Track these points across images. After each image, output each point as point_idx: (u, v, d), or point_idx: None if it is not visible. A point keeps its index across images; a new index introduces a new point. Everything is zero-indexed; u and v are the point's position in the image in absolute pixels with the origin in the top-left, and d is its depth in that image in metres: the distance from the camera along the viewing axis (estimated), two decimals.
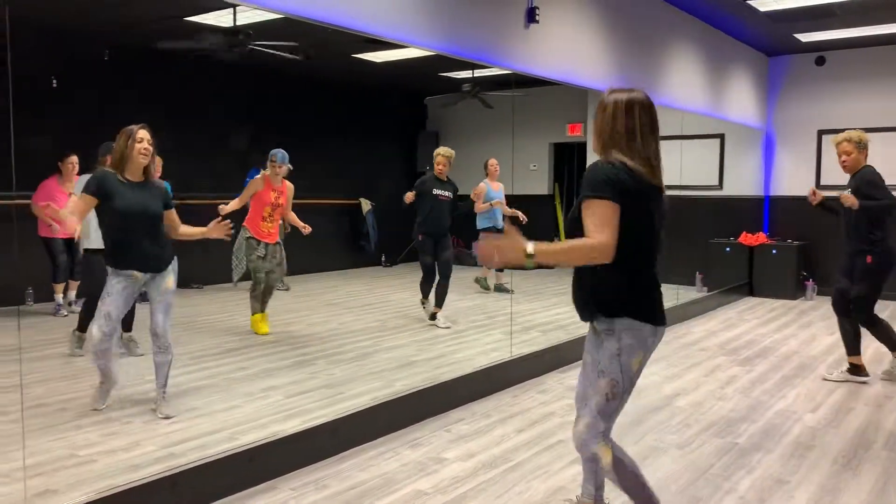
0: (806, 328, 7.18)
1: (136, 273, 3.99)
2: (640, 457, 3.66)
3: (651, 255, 2.47)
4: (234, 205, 5.90)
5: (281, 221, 6.40)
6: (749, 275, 9.28)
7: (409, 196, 6.67)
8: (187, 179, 8.54)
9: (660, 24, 7.00)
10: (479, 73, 8.76)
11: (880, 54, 8.92)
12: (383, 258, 11.54)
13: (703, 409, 4.49)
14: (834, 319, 7.71)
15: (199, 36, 6.51)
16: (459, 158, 8.86)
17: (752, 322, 7.51)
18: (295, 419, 3.94)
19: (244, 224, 6.08)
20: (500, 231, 8.49)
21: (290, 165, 6.19)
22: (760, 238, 9.34)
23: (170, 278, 4.11)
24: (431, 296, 6.80)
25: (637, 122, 2.40)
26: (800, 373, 5.44)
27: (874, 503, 3.17)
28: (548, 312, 7.47)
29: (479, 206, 8.10)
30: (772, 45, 9.05)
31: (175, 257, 4.18)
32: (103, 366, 4.11)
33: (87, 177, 5.15)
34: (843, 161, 4.97)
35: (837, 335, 6.74)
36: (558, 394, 4.83)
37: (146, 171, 4.05)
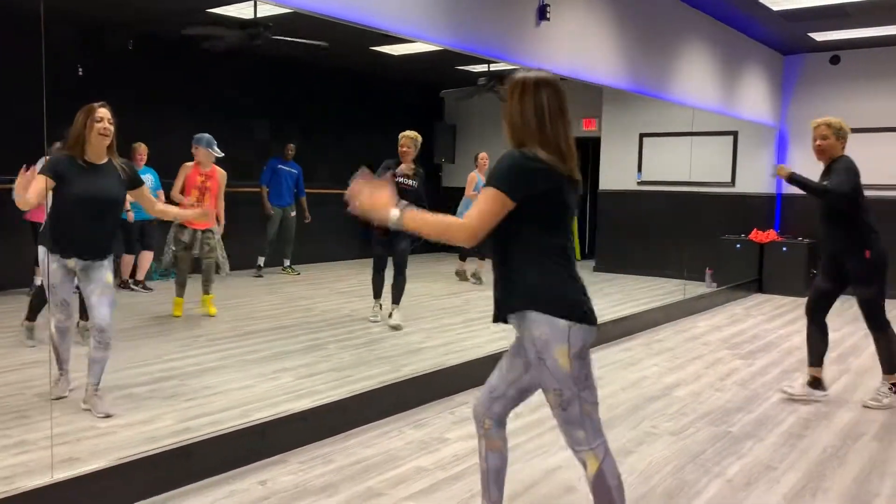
0: None
1: (70, 261, 3.80)
2: (636, 442, 3.81)
3: (564, 251, 2.32)
4: (173, 192, 6.16)
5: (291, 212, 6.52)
6: (759, 272, 9.36)
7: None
8: None
9: (672, 21, 7.09)
10: (494, 67, 8.89)
11: (895, 55, 8.94)
12: None
13: (701, 399, 4.62)
14: (843, 316, 7.78)
15: (222, 26, 6.71)
16: (475, 151, 9.02)
17: (758, 318, 7.60)
18: (305, 399, 4.12)
19: None
20: None
21: (218, 151, 6.25)
22: (771, 235, 9.41)
23: (108, 273, 3.88)
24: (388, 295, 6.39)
25: (545, 104, 2.28)
26: (800, 367, 5.53)
27: (856, 490, 3.29)
28: None
29: (469, 192, 8.35)
30: (786, 43, 9.10)
31: (111, 255, 3.94)
32: (64, 350, 4.04)
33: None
34: (819, 145, 4.51)
35: (843, 332, 6.86)
36: None
37: (109, 150, 3.82)
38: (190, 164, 6.28)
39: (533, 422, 4.10)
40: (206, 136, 6.26)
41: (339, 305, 7.26)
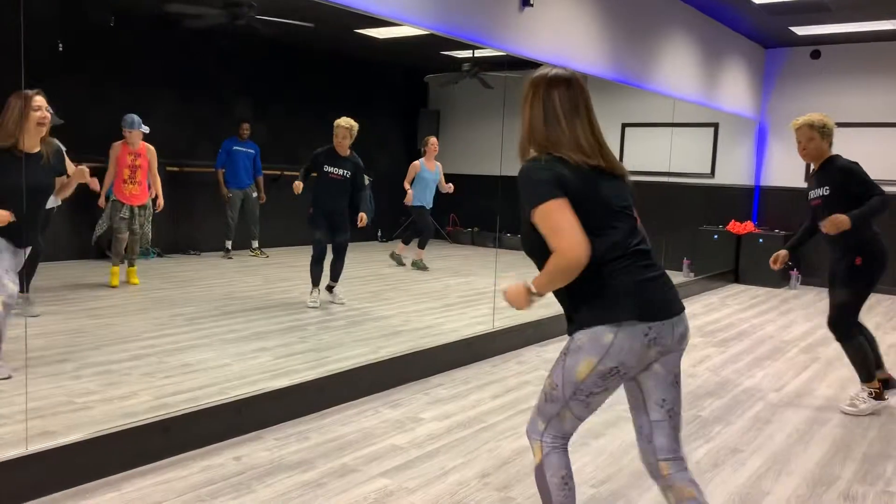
0: (785, 315, 7.39)
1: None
2: (607, 424, 3.89)
3: (616, 249, 2.12)
4: (107, 175, 6.44)
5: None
6: (735, 262, 9.49)
7: (298, 185, 5.99)
8: (188, 148, 8.73)
9: (656, 11, 7.14)
10: (479, 53, 8.89)
11: (876, 50, 9.06)
12: (379, 233, 11.73)
13: None
14: (813, 307, 7.92)
15: (204, 5, 6.67)
16: (459, 138, 9.03)
17: (733, 307, 7.71)
18: (282, 378, 4.14)
19: (112, 188, 6.46)
20: (429, 210, 8.55)
21: (144, 128, 6.57)
22: (748, 227, 9.53)
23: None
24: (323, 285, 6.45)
25: (557, 103, 2.18)
26: (772, 355, 5.66)
27: (818, 472, 3.39)
28: None
29: (406, 185, 8.27)
30: (768, 37, 9.18)
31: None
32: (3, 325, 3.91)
33: None
34: (805, 149, 4.19)
35: (814, 323, 6.99)
36: (535, 365, 5.05)
37: (42, 139, 3.80)
38: (118, 143, 6.58)
39: (507, 403, 4.17)
40: (131, 116, 6.62)
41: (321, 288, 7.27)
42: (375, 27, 8.44)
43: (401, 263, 8.86)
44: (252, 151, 9.32)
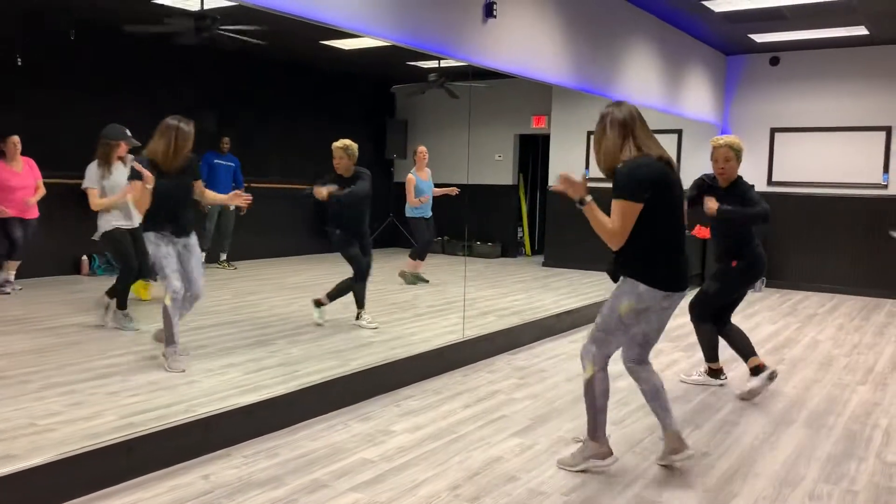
0: (750, 318, 7.49)
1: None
2: (577, 431, 3.91)
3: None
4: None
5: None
6: (701, 266, 9.61)
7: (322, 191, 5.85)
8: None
9: (618, 20, 7.24)
10: (444, 63, 8.94)
11: (831, 56, 9.28)
12: None
13: None
14: (779, 310, 8.07)
15: (167, 18, 6.61)
16: (427, 148, 9.04)
17: None
18: (252, 394, 4.10)
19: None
20: (427, 220, 8.53)
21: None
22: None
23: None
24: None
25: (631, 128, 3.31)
26: (738, 358, 5.71)
27: (784, 473, 3.45)
28: (506, 299, 7.70)
29: (412, 201, 8.22)
30: (728, 44, 9.35)
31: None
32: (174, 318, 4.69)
33: (94, 165, 5.67)
34: (723, 168, 4.61)
35: (780, 324, 7.12)
36: (506, 374, 5.06)
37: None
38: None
39: (477, 412, 4.18)
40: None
41: (288, 301, 7.23)
42: (340, 39, 8.47)
43: (423, 280, 8.55)
44: (232, 165, 9.26)
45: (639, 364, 3.44)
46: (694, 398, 4.61)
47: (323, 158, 11.49)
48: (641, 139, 3.23)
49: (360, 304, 6.14)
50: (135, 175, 4.49)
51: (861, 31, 8.19)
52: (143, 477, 3.16)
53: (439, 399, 4.42)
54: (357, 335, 5.73)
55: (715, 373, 4.94)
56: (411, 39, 4.73)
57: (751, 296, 9.01)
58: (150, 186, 4.45)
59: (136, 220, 5.73)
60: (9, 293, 6.96)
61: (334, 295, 6.14)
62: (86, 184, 5.72)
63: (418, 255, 8.48)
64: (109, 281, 8.04)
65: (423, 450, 3.57)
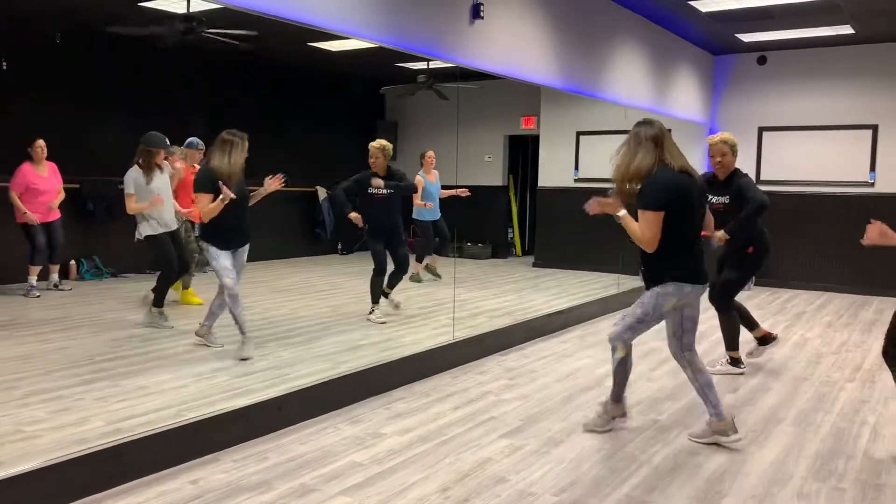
0: None
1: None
2: (567, 432, 3.92)
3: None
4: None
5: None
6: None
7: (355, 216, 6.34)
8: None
9: (605, 21, 7.25)
10: (433, 65, 8.93)
11: (818, 55, 9.33)
12: (339, 246, 11.68)
13: (632, 389, 4.73)
14: (767, 308, 8.10)
15: (152, 21, 6.58)
16: (417, 149, 9.04)
17: None
18: (241, 398, 4.08)
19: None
20: (436, 223, 8.59)
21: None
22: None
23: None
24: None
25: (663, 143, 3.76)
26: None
27: (773, 472, 3.46)
28: (497, 300, 7.70)
29: (417, 202, 8.28)
30: (715, 44, 9.39)
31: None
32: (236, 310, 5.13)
33: (134, 170, 5.82)
34: (720, 162, 4.99)
35: (769, 323, 7.14)
36: (496, 375, 5.06)
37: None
38: (182, 165, 6.63)
39: (467, 414, 4.17)
40: (195, 139, 6.79)
41: (279, 304, 7.21)
42: (328, 41, 8.45)
43: (436, 275, 8.80)
44: None
45: (690, 351, 3.83)
46: (684, 398, 4.62)
47: (313, 160, 11.50)
48: (667, 153, 3.66)
49: (391, 284, 6.52)
50: (207, 188, 4.87)
51: (847, 30, 8.24)
52: (130, 483, 3.14)
53: (429, 401, 4.42)
54: (347, 338, 5.72)
55: (736, 361, 5.26)
56: (397, 41, 4.72)
57: (740, 294, 9.03)
58: (226, 201, 4.83)
59: (174, 223, 6.11)
60: (38, 296, 7.13)
61: (375, 297, 6.36)
62: (127, 189, 5.86)
63: (417, 258, 8.60)
64: (98, 285, 8.03)
65: (412, 452, 3.57)
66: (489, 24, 5.42)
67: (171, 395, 4.18)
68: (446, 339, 5.43)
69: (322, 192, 11.29)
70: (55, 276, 7.53)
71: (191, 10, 6.54)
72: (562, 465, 3.45)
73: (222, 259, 5.03)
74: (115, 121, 8.94)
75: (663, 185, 3.57)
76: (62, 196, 7.51)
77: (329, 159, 11.59)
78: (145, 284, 8.10)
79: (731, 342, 5.24)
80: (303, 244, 11.25)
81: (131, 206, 5.81)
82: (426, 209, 8.38)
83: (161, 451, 3.32)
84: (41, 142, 7.25)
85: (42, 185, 7.26)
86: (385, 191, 6.27)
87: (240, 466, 3.36)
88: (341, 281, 8.93)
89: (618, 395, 3.98)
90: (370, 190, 6.28)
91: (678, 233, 3.59)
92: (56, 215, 7.44)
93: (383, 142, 6.30)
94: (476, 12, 5.18)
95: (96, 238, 8.67)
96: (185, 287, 6.88)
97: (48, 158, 7.39)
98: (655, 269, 3.71)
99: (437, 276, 8.77)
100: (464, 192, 8.48)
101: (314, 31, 4.28)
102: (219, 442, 3.55)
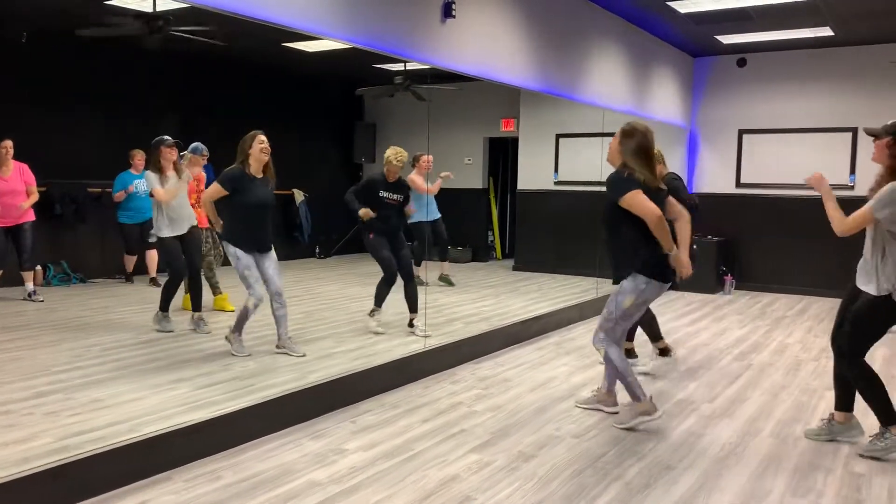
0: (719, 322, 7.43)
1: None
2: (538, 446, 3.78)
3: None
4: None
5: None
6: None
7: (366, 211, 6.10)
8: (110, 166, 8.36)
9: (582, 21, 7.13)
10: (410, 66, 8.78)
11: (797, 57, 9.27)
12: (317, 250, 11.50)
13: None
14: (747, 313, 8.00)
15: (119, 20, 6.39)
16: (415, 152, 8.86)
17: (668, 315, 7.72)
18: (200, 411, 3.91)
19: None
20: (432, 223, 8.54)
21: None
22: None
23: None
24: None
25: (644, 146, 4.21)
26: (704, 364, 5.65)
27: (750, 486, 3.33)
28: (475, 305, 7.56)
29: (431, 189, 8.37)
30: (695, 45, 9.31)
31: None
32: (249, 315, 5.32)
33: (149, 174, 5.83)
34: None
35: (748, 328, 7.05)
36: (469, 384, 4.92)
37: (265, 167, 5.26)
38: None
39: (436, 427, 4.02)
40: (199, 144, 6.64)
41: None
42: (303, 41, 8.27)
43: (450, 283, 8.77)
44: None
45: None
46: (659, 407, 4.48)
47: (290, 163, 11.28)
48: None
49: (411, 307, 6.14)
50: (227, 186, 5.09)
51: (826, 32, 8.17)
52: None
53: (397, 413, 4.26)
54: (317, 346, 5.55)
55: (664, 351, 5.50)
56: (366, 40, 4.57)
57: (720, 299, 8.97)
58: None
59: (185, 226, 6.06)
60: (42, 300, 7.11)
61: (379, 300, 6.16)
62: (150, 187, 5.86)
63: (416, 261, 8.44)
64: (65, 290, 7.80)
65: (375, 469, 3.41)
66: (461, 24, 5.28)
67: (126, 409, 4.00)
68: (418, 348, 5.27)
69: (299, 196, 11.09)
70: (30, 285, 7.23)
71: (157, 10, 6.35)
72: (531, 483, 3.30)
73: (243, 260, 5.12)
74: (84, 122, 8.72)
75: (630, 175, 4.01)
76: (35, 197, 7.27)
77: (307, 161, 11.40)
78: (115, 290, 7.92)
79: (654, 336, 5.48)
80: (279, 248, 11.02)
81: (161, 196, 5.79)
82: (421, 210, 8.22)
83: (108, 471, 3.14)
84: (8, 142, 7.03)
85: (3, 187, 7.03)
86: (397, 196, 6.14)
87: (191, 486, 3.18)
88: (316, 285, 8.75)
89: (633, 394, 4.12)
90: (381, 194, 6.11)
91: (634, 224, 3.89)
92: (27, 218, 7.22)
93: (398, 149, 6.19)
94: (448, 11, 5.03)
95: (64, 242, 8.45)
96: (216, 293, 6.93)
97: (16, 159, 7.15)
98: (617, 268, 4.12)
99: (451, 283, 8.72)
100: (448, 176, 8.49)
101: (287, 32, 4.12)
102: (172, 459, 3.38)
